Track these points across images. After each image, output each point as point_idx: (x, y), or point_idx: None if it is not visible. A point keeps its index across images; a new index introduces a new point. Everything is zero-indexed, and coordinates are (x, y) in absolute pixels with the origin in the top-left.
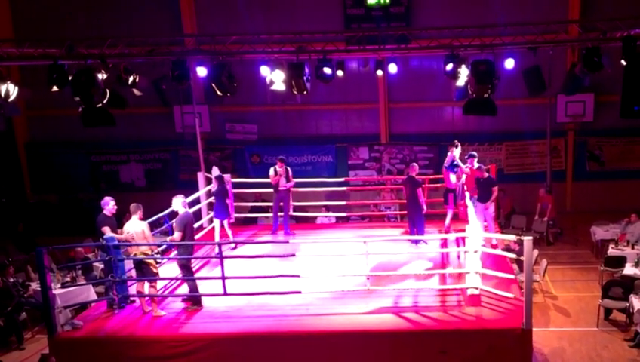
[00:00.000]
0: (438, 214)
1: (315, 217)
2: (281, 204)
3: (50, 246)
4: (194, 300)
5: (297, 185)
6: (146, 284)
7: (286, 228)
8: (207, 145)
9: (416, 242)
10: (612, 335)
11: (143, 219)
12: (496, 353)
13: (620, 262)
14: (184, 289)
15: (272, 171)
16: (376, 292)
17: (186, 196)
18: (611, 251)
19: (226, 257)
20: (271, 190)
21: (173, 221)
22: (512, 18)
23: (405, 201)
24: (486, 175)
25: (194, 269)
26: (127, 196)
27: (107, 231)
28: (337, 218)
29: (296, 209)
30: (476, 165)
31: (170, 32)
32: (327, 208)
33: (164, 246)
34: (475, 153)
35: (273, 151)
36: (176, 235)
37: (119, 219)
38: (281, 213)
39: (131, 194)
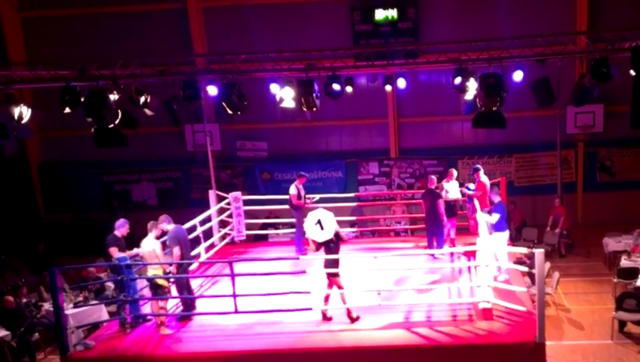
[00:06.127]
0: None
1: None
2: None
3: (63, 266)
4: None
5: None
6: (157, 303)
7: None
8: (218, 163)
9: (434, 256)
10: (627, 348)
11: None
12: None
13: (633, 273)
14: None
15: (294, 190)
16: (387, 307)
17: (198, 214)
18: (624, 263)
19: (237, 275)
20: (284, 206)
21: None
22: (520, 31)
23: (424, 215)
24: (498, 199)
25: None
26: (139, 215)
27: (114, 253)
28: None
29: None
30: (483, 178)
31: (180, 52)
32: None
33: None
34: (479, 166)
35: (283, 167)
36: (176, 251)
37: (135, 240)
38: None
39: (143, 214)
